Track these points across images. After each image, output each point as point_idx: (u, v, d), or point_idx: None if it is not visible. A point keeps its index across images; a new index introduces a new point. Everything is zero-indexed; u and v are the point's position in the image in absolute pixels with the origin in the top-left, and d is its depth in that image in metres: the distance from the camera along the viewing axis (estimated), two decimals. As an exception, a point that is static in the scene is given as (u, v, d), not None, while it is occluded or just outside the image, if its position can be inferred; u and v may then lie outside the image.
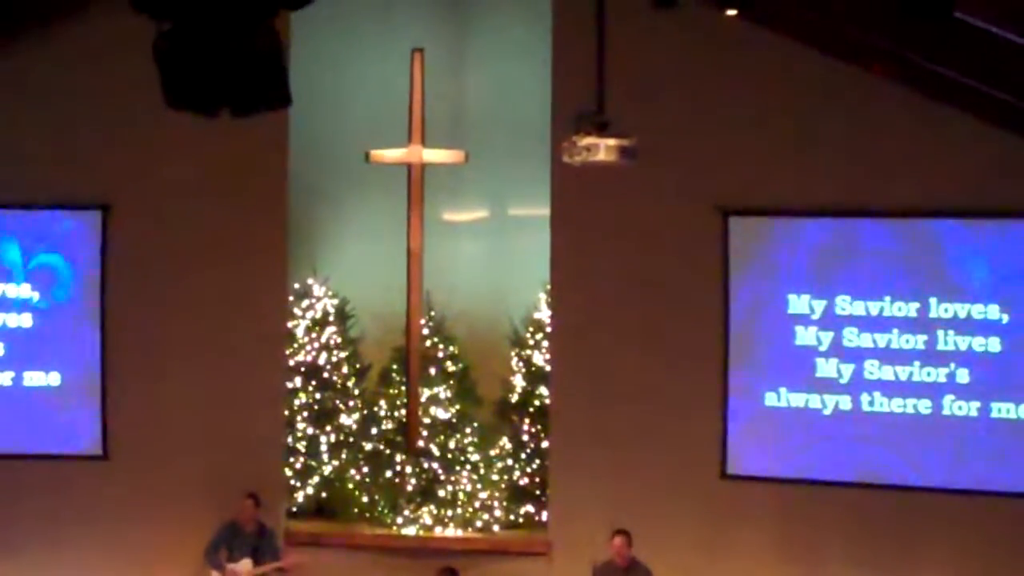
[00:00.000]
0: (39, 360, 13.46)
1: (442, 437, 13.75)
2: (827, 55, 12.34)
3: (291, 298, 13.93)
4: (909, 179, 12.41)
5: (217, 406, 13.38)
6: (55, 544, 13.33)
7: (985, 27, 8.87)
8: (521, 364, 13.93)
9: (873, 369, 12.54)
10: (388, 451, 13.80)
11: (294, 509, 13.91)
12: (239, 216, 13.41)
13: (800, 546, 12.73)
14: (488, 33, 14.20)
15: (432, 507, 13.61)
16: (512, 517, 13.75)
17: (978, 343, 12.28)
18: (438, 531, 13.60)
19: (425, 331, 13.85)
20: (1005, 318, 12.20)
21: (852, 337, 12.59)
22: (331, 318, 14.11)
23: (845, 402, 12.61)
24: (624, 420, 13.05)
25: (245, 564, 12.56)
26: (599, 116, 10.49)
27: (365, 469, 13.83)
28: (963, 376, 12.31)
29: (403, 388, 13.79)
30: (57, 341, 13.46)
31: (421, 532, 13.59)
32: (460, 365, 14.03)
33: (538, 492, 13.74)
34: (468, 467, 13.72)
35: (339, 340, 14.12)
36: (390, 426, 13.87)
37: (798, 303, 12.73)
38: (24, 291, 13.46)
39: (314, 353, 14.03)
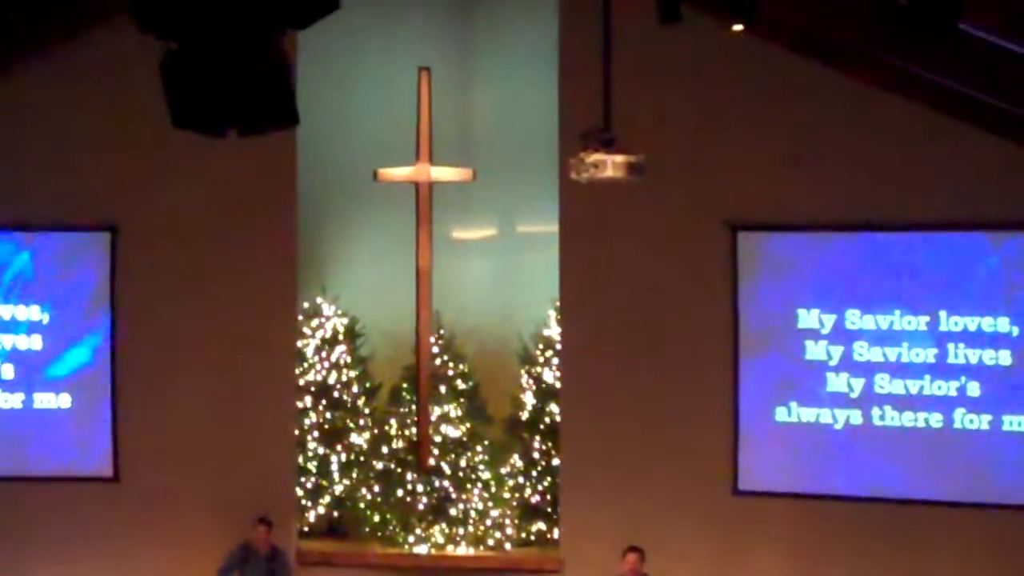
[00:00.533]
0: (49, 382, 13.47)
1: (453, 455, 13.74)
2: (833, 69, 12.34)
3: (300, 317, 13.93)
4: (917, 192, 12.40)
5: (228, 426, 13.38)
6: (66, 566, 13.32)
7: (988, 38, 8.87)
8: (531, 381, 13.93)
9: (884, 383, 12.52)
10: (399, 470, 13.79)
11: (306, 529, 13.90)
12: (248, 236, 13.41)
13: (812, 561, 12.70)
14: (494, 51, 14.22)
15: (444, 525, 13.60)
16: (524, 535, 13.74)
17: (988, 356, 12.25)
18: (450, 549, 13.59)
19: (435, 349, 13.85)
20: (1015, 331, 12.18)
21: (862, 351, 12.58)
22: (341, 337, 14.11)
23: (856, 416, 12.58)
24: (635, 436, 13.04)
25: (258, 586, 12.57)
26: (606, 132, 10.49)
27: (376, 488, 13.82)
28: (974, 389, 12.28)
29: (413, 407, 13.79)
30: (67, 363, 13.47)
31: (433, 551, 13.58)
32: (470, 383, 14.03)
33: (549, 510, 13.73)
34: (479, 485, 13.71)
35: (349, 359, 14.13)
36: (401, 445, 13.87)
37: (808, 318, 12.71)
38: (34, 313, 13.48)
39: (324, 372, 14.03)
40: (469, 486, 13.70)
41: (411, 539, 13.60)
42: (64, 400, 13.47)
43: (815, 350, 12.69)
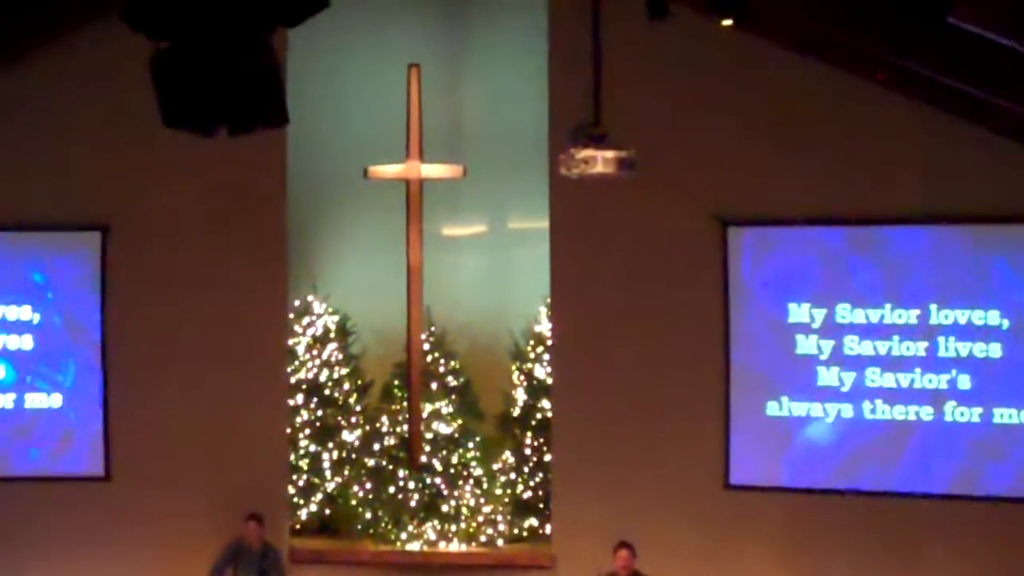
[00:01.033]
0: (40, 382, 13.46)
1: (445, 452, 13.75)
2: (822, 63, 12.35)
3: (291, 315, 13.93)
4: (907, 186, 12.41)
5: (219, 424, 13.38)
6: (58, 565, 13.31)
7: (978, 32, 8.88)
8: (522, 377, 13.93)
9: (875, 377, 12.54)
10: (391, 467, 13.79)
11: (297, 527, 13.90)
12: (239, 234, 13.41)
13: (804, 555, 12.72)
14: (484, 47, 14.22)
15: (436, 522, 13.61)
16: (516, 531, 13.74)
17: (979, 349, 12.28)
18: (442, 546, 13.59)
19: (426, 346, 13.85)
20: (1006, 323, 12.21)
21: (853, 345, 12.60)
22: (332, 335, 14.12)
23: (847, 410, 12.61)
24: (626, 432, 13.05)
25: (250, 583, 12.57)
26: (596, 128, 10.49)
27: (368, 485, 13.82)
28: (964, 382, 12.31)
29: (405, 404, 13.79)
30: (58, 363, 13.46)
31: (425, 547, 13.58)
32: (461, 379, 14.03)
33: (541, 505, 13.73)
34: (471, 482, 13.72)
35: (340, 357, 14.13)
36: (392, 442, 13.87)
37: (798, 312, 12.73)
38: (25, 313, 13.46)
39: (315, 370, 14.03)
40: (461, 483, 13.70)
41: (403, 536, 13.60)
42: (55, 400, 13.45)
43: (806, 344, 12.71)
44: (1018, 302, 12.16)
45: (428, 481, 13.68)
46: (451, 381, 13.96)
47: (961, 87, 11.08)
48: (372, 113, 14.10)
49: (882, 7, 8.30)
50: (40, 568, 13.32)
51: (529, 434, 13.83)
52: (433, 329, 13.97)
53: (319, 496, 13.99)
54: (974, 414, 12.28)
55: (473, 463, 13.78)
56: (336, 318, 14.15)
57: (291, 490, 13.82)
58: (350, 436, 14.03)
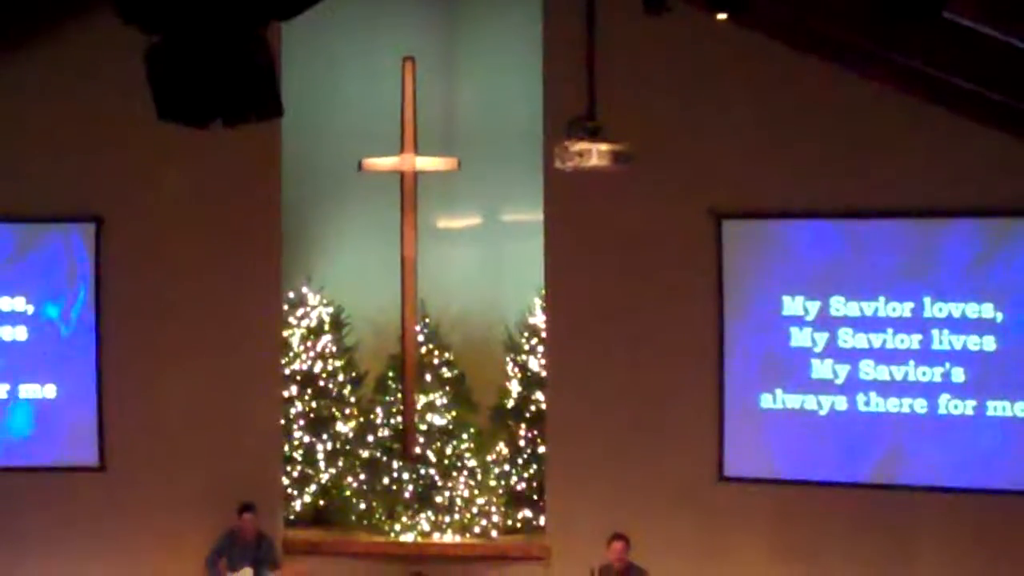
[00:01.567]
0: (35, 372, 13.46)
1: (439, 443, 13.76)
2: (817, 57, 12.35)
3: (286, 307, 13.93)
4: (901, 180, 12.42)
5: (213, 415, 13.38)
6: (53, 555, 13.32)
7: (973, 26, 8.88)
8: (517, 369, 13.95)
9: (868, 369, 12.55)
10: (385, 458, 13.80)
11: (292, 517, 13.92)
12: (233, 226, 13.41)
13: (798, 547, 12.74)
14: (478, 40, 14.22)
15: (430, 513, 13.62)
16: (510, 522, 13.76)
17: (973, 342, 12.29)
18: (436, 537, 13.61)
19: (420, 338, 13.86)
20: (999, 316, 12.22)
21: (847, 338, 12.61)
22: (326, 326, 14.13)
23: (841, 403, 12.62)
24: (620, 424, 13.06)
25: (245, 573, 12.55)
26: (591, 121, 10.49)
27: (362, 476, 13.84)
28: (958, 375, 12.32)
29: (399, 395, 13.80)
30: (52, 353, 13.46)
31: (419, 539, 13.60)
32: (456, 371, 14.04)
33: (535, 497, 13.75)
34: (465, 473, 13.73)
35: (334, 348, 14.14)
36: (387, 433, 13.88)
37: (792, 305, 12.74)
38: (19, 304, 13.46)
39: (310, 362, 14.04)
40: (455, 474, 13.71)
41: (397, 527, 13.62)
42: (49, 390, 13.45)
43: (800, 337, 12.72)
44: (1012, 295, 12.17)
45: (422, 472, 13.69)
46: (445, 373, 13.97)
47: (955, 81, 11.09)
48: (366, 105, 14.10)
49: (876, 1, 8.29)
50: (35, 557, 13.33)
51: (523, 426, 13.85)
52: (427, 321, 13.98)
53: (313, 487, 14.01)
54: (968, 407, 12.29)
55: (467, 454, 13.79)
56: (330, 310, 14.16)
57: (285, 481, 13.84)
58: (344, 427, 14.05)
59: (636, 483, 13.00)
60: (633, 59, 12.69)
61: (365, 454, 13.89)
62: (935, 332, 12.40)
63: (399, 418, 13.78)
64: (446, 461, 13.73)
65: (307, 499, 14.01)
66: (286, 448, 13.86)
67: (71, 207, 13.42)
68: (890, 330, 12.51)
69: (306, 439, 13.98)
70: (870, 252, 12.55)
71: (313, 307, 14.10)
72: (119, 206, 13.42)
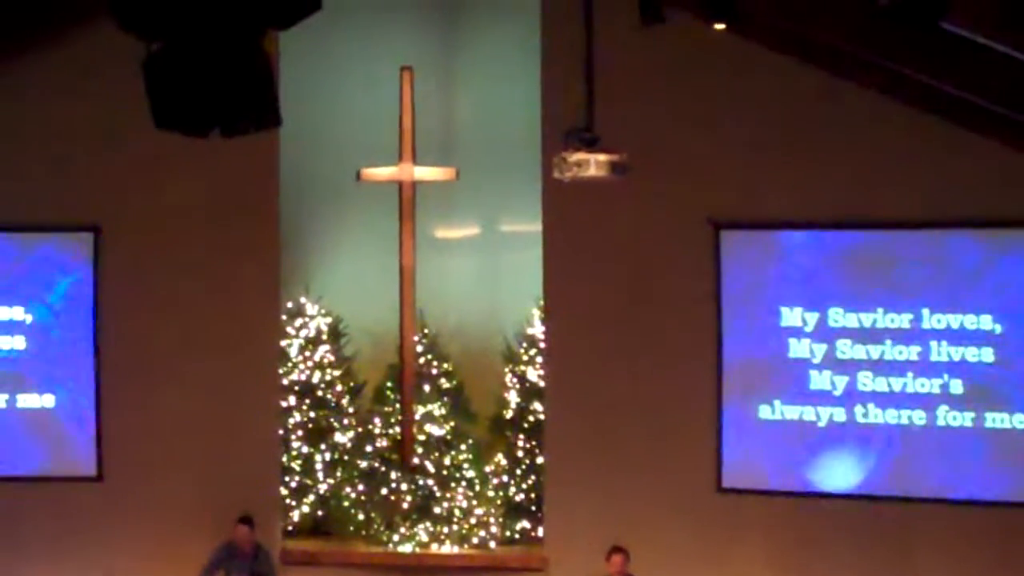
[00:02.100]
0: (33, 382, 13.45)
1: (437, 454, 13.75)
2: (816, 67, 12.35)
3: (284, 317, 13.93)
4: (900, 190, 12.42)
5: (211, 426, 13.38)
6: (50, 566, 13.31)
7: (972, 37, 8.88)
8: (515, 380, 13.93)
9: (867, 381, 12.54)
10: (383, 469, 13.79)
11: (290, 528, 13.90)
12: (231, 236, 13.41)
13: (797, 558, 12.73)
14: (477, 50, 14.22)
15: (428, 524, 13.61)
16: (508, 533, 13.74)
17: (971, 354, 12.28)
18: (434, 548, 13.60)
19: (419, 348, 13.85)
20: (998, 328, 12.21)
21: (845, 349, 12.60)
22: (324, 336, 14.12)
23: (839, 414, 12.61)
24: (619, 435, 13.05)
25: (242, 585, 12.56)
26: (589, 132, 10.49)
27: (361, 487, 13.83)
28: (957, 387, 12.31)
29: (397, 405, 13.79)
30: (50, 363, 13.45)
31: (417, 549, 13.58)
32: (454, 382, 14.03)
33: (534, 508, 13.73)
34: (463, 484, 13.72)
35: (333, 358, 14.13)
36: (385, 444, 13.87)
37: (791, 316, 12.73)
38: (17, 313, 13.46)
39: (308, 372, 14.03)
40: (453, 484, 13.70)
41: (395, 538, 13.61)
42: (48, 400, 13.45)
43: (798, 348, 12.71)
44: (1011, 307, 12.16)
45: (420, 483, 13.68)
46: (444, 383, 13.96)
47: (953, 92, 11.08)
48: (365, 115, 14.10)
49: (875, 12, 8.29)
50: (32, 567, 13.32)
51: (522, 436, 13.83)
52: (426, 331, 13.98)
53: (311, 498, 13.99)
54: (966, 418, 12.28)
55: (465, 465, 13.77)
56: (329, 320, 14.15)
57: (283, 491, 13.82)
58: (342, 438, 14.03)
59: (634, 494, 12.99)
60: (631, 70, 12.69)
61: (363, 464, 13.87)
62: (933, 344, 12.39)
63: (397, 428, 13.78)
64: (444, 472, 13.72)
65: (305, 509, 14.00)
66: (284, 458, 13.85)
67: (69, 216, 13.43)
68: (889, 341, 12.50)
69: (304, 449, 13.97)
70: (869, 263, 12.54)
71: (311, 317, 14.09)
72: (117, 215, 13.42)
